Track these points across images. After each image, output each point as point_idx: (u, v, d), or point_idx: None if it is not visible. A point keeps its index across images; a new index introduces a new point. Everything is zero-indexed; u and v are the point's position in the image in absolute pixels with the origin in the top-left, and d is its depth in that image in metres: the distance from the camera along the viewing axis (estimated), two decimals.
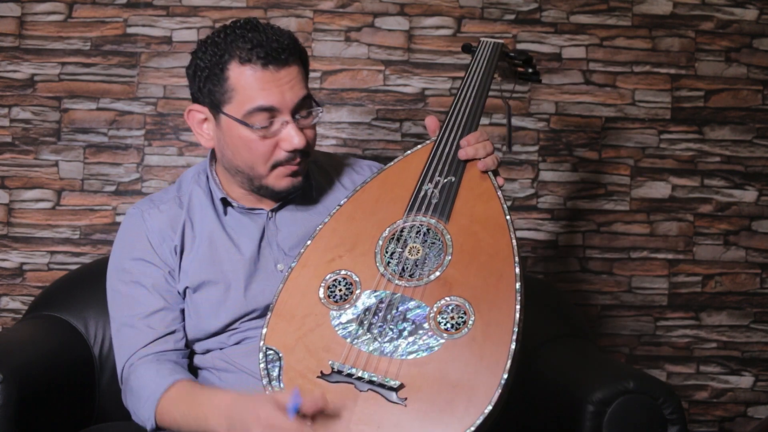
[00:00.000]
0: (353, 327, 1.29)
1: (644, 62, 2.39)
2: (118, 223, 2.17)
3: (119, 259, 1.53)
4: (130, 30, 2.29)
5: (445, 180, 1.40)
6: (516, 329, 1.24)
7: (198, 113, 1.47)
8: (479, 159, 1.40)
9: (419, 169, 1.42)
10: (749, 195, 2.41)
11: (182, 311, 1.51)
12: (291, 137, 1.41)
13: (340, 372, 1.25)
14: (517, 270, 1.29)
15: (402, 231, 1.36)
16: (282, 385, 1.26)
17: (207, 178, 1.56)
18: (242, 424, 1.24)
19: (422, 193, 1.40)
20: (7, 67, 2.28)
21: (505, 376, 1.21)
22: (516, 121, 2.35)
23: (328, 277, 1.34)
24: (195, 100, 1.47)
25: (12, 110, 2.28)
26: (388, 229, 1.37)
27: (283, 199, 1.54)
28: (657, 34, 2.39)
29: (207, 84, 1.42)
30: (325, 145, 2.30)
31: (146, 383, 1.42)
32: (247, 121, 1.40)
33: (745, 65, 2.41)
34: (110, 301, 1.53)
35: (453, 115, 1.48)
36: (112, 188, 2.29)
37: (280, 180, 1.46)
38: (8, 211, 2.28)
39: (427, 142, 1.48)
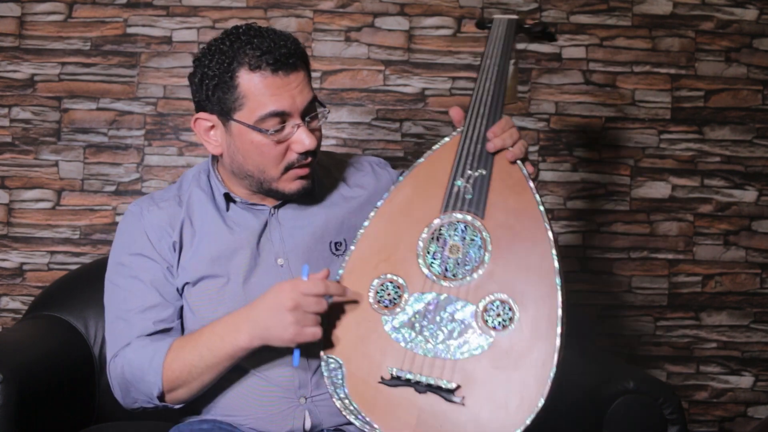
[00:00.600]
0: (406, 330, 1.32)
1: (644, 62, 2.38)
2: (118, 223, 2.17)
3: (118, 254, 1.53)
4: (130, 30, 2.29)
5: (476, 173, 1.40)
6: (560, 323, 1.26)
7: (205, 121, 1.47)
8: (507, 149, 1.41)
9: (449, 164, 1.42)
10: (749, 195, 2.41)
11: (180, 309, 1.51)
12: (303, 140, 1.42)
13: (399, 377, 1.29)
14: (556, 264, 1.30)
15: (440, 230, 1.37)
16: (347, 390, 1.31)
17: (208, 176, 1.57)
18: (271, 311, 1.33)
19: (455, 189, 1.39)
20: (7, 67, 2.28)
21: (554, 370, 1.23)
22: (516, 122, 2.33)
23: (375, 282, 1.37)
24: (201, 108, 1.47)
25: (12, 110, 2.28)
26: (426, 228, 1.38)
27: (289, 200, 1.54)
28: (657, 34, 2.39)
29: (216, 92, 1.42)
30: (325, 145, 2.29)
31: (145, 351, 1.42)
32: (260, 126, 1.41)
33: (745, 65, 2.41)
34: (106, 295, 1.54)
35: (476, 105, 1.45)
36: (112, 188, 2.29)
37: (290, 183, 1.48)
38: (8, 211, 2.28)
39: (454, 133, 1.46)
